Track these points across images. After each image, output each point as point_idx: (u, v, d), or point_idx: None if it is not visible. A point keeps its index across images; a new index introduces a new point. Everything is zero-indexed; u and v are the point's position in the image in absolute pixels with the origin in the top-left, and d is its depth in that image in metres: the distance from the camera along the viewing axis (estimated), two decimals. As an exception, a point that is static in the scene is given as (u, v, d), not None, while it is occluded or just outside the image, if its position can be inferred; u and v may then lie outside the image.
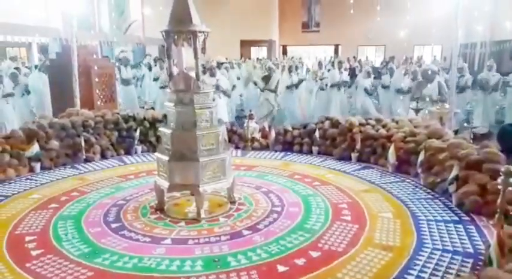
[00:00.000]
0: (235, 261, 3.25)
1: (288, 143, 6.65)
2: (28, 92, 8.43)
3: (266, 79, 9.02)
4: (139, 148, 6.56)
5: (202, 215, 4.06)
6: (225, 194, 4.55)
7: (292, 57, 21.93)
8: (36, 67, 9.47)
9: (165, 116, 6.69)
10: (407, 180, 5.12)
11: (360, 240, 3.56)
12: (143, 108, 10.84)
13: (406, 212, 4.13)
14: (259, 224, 3.92)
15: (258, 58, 21.58)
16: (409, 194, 4.66)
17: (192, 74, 4.20)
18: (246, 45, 25.87)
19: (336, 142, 6.29)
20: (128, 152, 6.51)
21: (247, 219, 4.04)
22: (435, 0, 18.25)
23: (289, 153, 6.47)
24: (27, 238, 3.65)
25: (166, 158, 4.14)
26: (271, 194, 4.70)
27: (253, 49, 26.99)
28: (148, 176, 5.32)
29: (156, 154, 4.36)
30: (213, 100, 4.49)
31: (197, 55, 4.10)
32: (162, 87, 9.51)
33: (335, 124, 6.44)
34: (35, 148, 5.46)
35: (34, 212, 4.22)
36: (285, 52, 28.55)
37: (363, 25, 24.74)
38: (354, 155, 5.96)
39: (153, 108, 10.26)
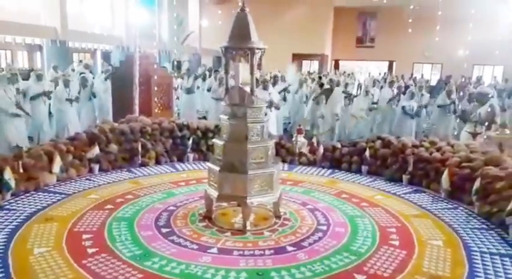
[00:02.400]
0: (279, 277, 3.28)
1: (336, 161, 6.59)
2: (94, 96, 8.98)
3: (327, 92, 8.93)
4: (191, 156, 6.79)
5: (248, 227, 4.13)
6: (271, 208, 4.60)
7: (344, 72, 21.78)
8: (103, 72, 10.05)
9: (217, 126, 6.91)
10: (461, 207, 4.91)
11: (407, 267, 3.47)
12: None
13: (457, 242, 3.97)
14: (304, 241, 3.93)
15: (309, 72, 21.62)
16: (461, 222, 4.46)
17: (247, 89, 4.32)
18: (297, 58, 26.00)
19: (387, 162, 6.16)
20: (180, 159, 6.75)
21: (291, 235, 4.06)
22: (499, 21, 17.46)
23: (337, 171, 6.40)
24: (84, 236, 3.89)
25: (217, 168, 4.26)
26: (317, 212, 4.69)
27: (304, 62, 27.06)
28: (198, 184, 5.50)
29: (208, 164, 4.50)
30: (265, 114, 4.58)
31: (253, 71, 4.22)
32: (215, 99, 9.79)
33: (387, 144, 6.31)
34: (95, 150, 5.83)
35: (91, 212, 4.49)
36: (336, 67, 28.36)
37: (419, 42, 24.10)
38: (405, 177, 5.81)
39: (205, 118, 10.59)
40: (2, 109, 6.71)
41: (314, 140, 7.15)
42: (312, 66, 26.75)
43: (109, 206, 4.65)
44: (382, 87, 11.60)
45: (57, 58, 14.51)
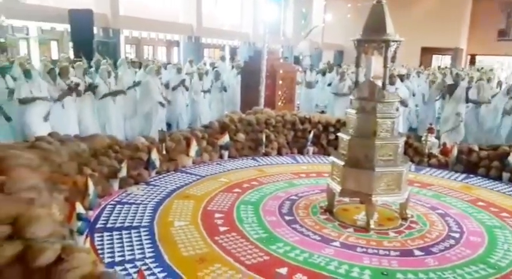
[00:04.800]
0: (405, 279, 3.16)
1: (471, 165, 6.00)
2: (225, 89, 9.59)
3: (450, 88, 8.20)
4: (311, 149, 6.87)
5: (372, 226, 4.03)
6: (396, 209, 4.42)
7: (482, 68, 19.55)
8: (233, 67, 10.69)
9: (338, 121, 6.85)
10: None
11: (561, 290, 3.04)
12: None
13: None
14: (433, 247, 3.70)
15: (439, 67, 19.94)
16: None
17: (378, 83, 4.19)
18: (427, 52, 24.21)
19: (535, 171, 5.41)
20: (300, 152, 6.89)
21: (419, 239, 3.85)
22: None
23: (472, 176, 5.85)
24: (217, 215, 4.24)
25: (341, 163, 4.23)
26: (449, 217, 4.36)
27: (434, 57, 25.03)
28: (318, 178, 5.55)
29: (332, 157, 4.48)
30: (397, 110, 4.38)
31: (387, 64, 4.08)
32: (335, 94, 9.67)
33: (536, 150, 5.53)
34: (226, 138, 6.30)
35: (222, 193, 4.87)
36: (472, 62, 25.58)
37: None
38: (558, 189, 5.04)
39: (323, 112, 10.55)
40: (153, 98, 7.59)
41: (448, 140, 6.59)
42: (443, 61, 24.60)
43: (237, 190, 4.99)
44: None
45: (191, 53, 15.94)
